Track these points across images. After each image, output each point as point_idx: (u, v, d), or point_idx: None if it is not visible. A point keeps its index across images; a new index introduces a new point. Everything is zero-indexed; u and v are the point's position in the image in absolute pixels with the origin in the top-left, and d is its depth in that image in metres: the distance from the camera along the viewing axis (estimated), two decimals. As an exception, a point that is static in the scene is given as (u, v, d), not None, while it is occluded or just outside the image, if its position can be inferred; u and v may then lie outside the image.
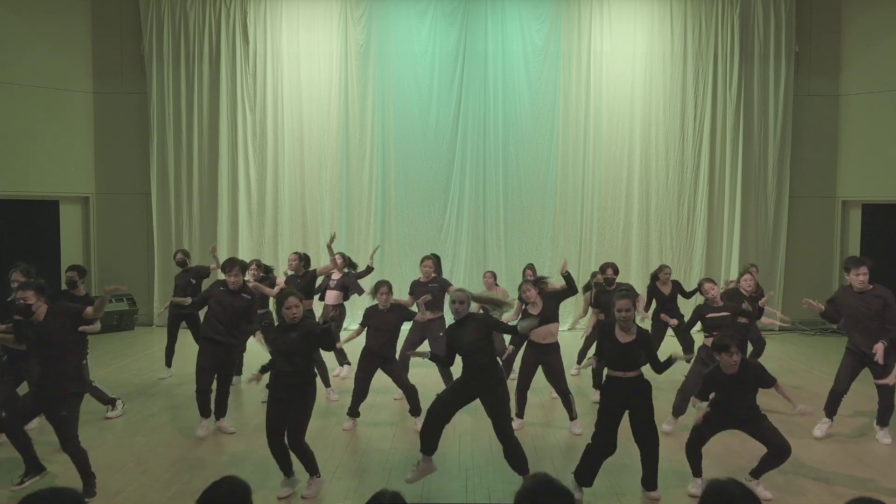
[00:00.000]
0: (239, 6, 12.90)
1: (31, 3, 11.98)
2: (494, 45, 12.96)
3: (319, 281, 8.98)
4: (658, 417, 7.06)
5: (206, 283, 9.35)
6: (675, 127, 12.96)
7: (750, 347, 8.71)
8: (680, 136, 12.97)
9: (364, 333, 7.16)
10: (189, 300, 8.34)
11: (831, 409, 6.92)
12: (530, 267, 8.93)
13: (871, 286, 6.84)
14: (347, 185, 12.99)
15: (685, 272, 12.70)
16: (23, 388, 6.54)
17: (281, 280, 8.90)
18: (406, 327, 7.47)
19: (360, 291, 9.04)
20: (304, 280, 8.44)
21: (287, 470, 5.53)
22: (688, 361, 5.96)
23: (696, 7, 12.94)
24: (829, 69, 12.96)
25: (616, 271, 8.39)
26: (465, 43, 12.96)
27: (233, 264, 6.84)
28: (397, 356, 7.24)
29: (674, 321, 8.04)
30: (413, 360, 7.94)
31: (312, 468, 5.48)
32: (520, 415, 7.20)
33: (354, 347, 7.61)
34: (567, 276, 6.94)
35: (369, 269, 9.18)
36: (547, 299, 6.97)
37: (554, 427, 7.30)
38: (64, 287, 7.60)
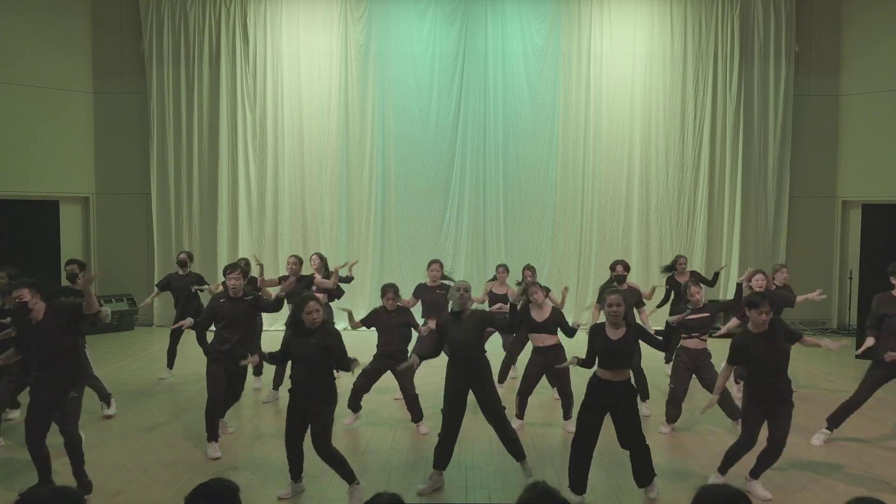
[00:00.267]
0: (239, 6, 12.90)
1: (31, 3, 11.98)
2: (494, 45, 12.97)
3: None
4: (656, 421, 7.12)
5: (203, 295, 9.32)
6: (675, 127, 12.96)
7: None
8: (680, 136, 12.97)
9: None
10: (190, 321, 8.38)
11: (838, 420, 6.75)
12: (529, 268, 8.81)
13: None
14: (347, 185, 12.99)
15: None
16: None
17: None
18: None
19: (341, 294, 9.00)
20: (303, 284, 8.39)
21: (297, 474, 5.47)
22: (673, 324, 5.79)
23: (696, 7, 12.95)
24: (829, 69, 12.96)
25: (626, 268, 8.17)
26: (465, 43, 12.96)
27: (233, 268, 6.62)
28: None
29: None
30: (423, 370, 7.88)
31: (349, 476, 5.27)
32: (520, 416, 7.20)
33: (360, 349, 7.61)
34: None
35: (349, 279, 9.15)
36: (555, 313, 6.99)
37: (555, 427, 7.30)
38: (66, 283, 7.62)
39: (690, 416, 7.53)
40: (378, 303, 7.21)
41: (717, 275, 9.87)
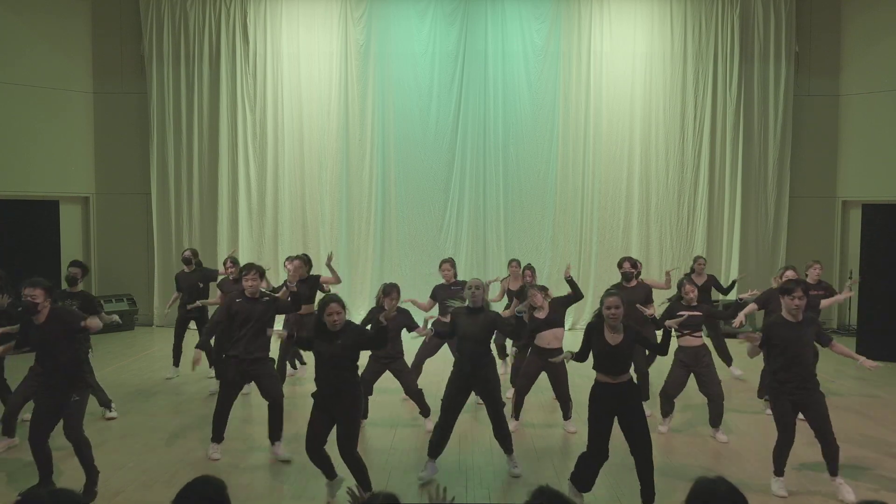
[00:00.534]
0: (239, 6, 12.90)
1: (31, 3, 11.97)
2: (494, 45, 12.96)
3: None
4: (651, 424, 7.10)
5: (213, 287, 9.36)
6: (675, 127, 12.96)
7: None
8: (680, 136, 12.97)
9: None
10: (200, 302, 8.52)
11: None
12: (529, 268, 8.78)
13: None
14: (347, 185, 12.99)
15: (685, 272, 12.68)
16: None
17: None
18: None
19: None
20: (308, 284, 8.34)
21: (330, 472, 5.39)
22: (670, 328, 5.75)
23: (696, 7, 12.95)
24: (829, 69, 12.96)
25: (633, 265, 7.99)
26: (465, 43, 12.95)
27: (250, 268, 6.40)
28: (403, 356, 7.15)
29: (650, 311, 7.75)
30: (424, 368, 7.87)
31: (366, 483, 5.22)
32: (516, 416, 7.20)
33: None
34: (570, 281, 6.99)
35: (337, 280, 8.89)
36: (554, 304, 6.99)
37: (554, 427, 7.30)
38: (64, 286, 7.55)
39: (690, 417, 7.53)
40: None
41: (734, 283, 9.71)
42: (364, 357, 7.16)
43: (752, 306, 7.58)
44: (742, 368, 9.30)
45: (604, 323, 5.18)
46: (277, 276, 11.28)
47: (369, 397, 7.18)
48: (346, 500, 3.03)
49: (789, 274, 7.45)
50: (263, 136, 12.94)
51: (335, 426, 5.21)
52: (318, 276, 8.54)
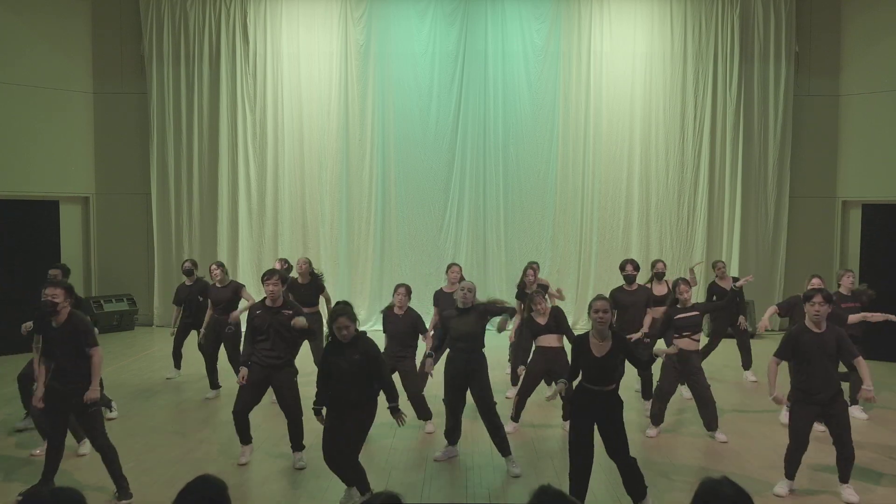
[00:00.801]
0: (239, 6, 12.90)
1: (31, 3, 11.97)
2: (494, 45, 12.96)
3: None
4: (643, 425, 7.11)
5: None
6: (675, 127, 12.96)
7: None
8: (680, 136, 12.97)
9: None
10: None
11: None
12: (532, 266, 8.53)
13: None
14: (347, 185, 12.98)
15: (685, 272, 12.68)
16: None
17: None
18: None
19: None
20: (312, 286, 8.29)
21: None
22: (669, 355, 5.73)
23: (696, 7, 12.94)
24: (829, 69, 12.95)
25: (636, 268, 7.94)
26: (465, 43, 12.95)
27: (271, 273, 6.16)
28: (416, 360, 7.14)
29: (638, 335, 7.56)
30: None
31: (364, 486, 5.21)
32: (515, 418, 7.19)
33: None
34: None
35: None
36: (554, 312, 7.01)
37: (554, 428, 7.30)
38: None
39: (689, 417, 7.53)
40: (379, 302, 7.21)
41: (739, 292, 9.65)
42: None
43: (772, 309, 7.53)
44: (757, 374, 9.28)
45: (589, 333, 5.07)
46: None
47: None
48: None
49: (815, 282, 7.05)
50: (263, 136, 12.94)
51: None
52: (322, 284, 8.40)
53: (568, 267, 13.05)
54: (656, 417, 7.01)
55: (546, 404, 8.03)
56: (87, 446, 6.40)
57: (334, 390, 5.17)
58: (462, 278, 8.14)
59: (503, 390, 8.50)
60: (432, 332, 7.17)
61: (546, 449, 6.68)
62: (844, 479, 5.49)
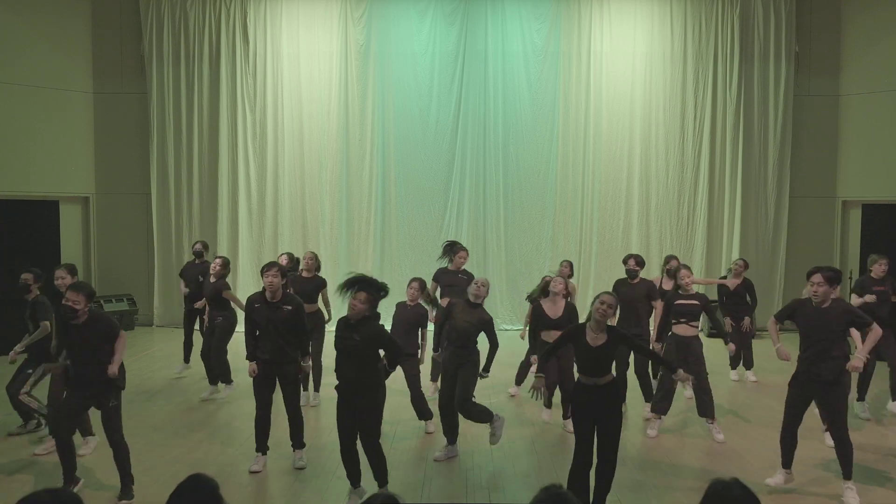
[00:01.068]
0: (239, 6, 12.89)
1: (30, 3, 11.96)
2: (494, 45, 12.96)
3: None
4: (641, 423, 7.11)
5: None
6: (675, 127, 12.96)
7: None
8: (680, 136, 12.97)
9: None
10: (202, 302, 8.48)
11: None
12: (565, 264, 8.78)
13: None
14: (347, 185, 12.98)
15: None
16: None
17: None
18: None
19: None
20: (314, 283, 8.29)
21: (355, 480, 5.36)
22: (678, 379, 5.48)
23: (696, 7, 12.94)
24: (829, 69, 12.95)
25: (639, 263, 7.87)
26: (465, 43, 12.94)
27: (271, 265, 6.05)
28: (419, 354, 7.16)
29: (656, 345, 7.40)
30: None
31: (382, 478, 5.25)
32: (548, 405, 7.40)
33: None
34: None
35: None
36: (568, 308, 7.00)
37: (555, 427, 7.30)
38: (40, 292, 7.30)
39: (680, 420, 7.53)
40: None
41: (753, 301, 9.53)
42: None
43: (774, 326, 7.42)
44: (759, 375, 9.28)
45: (587, 324, 5.03)
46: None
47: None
48: None
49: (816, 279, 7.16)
50: (263, 136, 12.93)
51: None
52: (324, 281, 8.39)
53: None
54: (660, 406, 6.97)
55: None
56: (87, 447, 6.40)
57: (341, 370, 5.22)
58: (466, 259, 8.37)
59: (509, 387, 8.51)
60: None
61: (546, 450, 6.68)
62: (847, 475, 5.44)
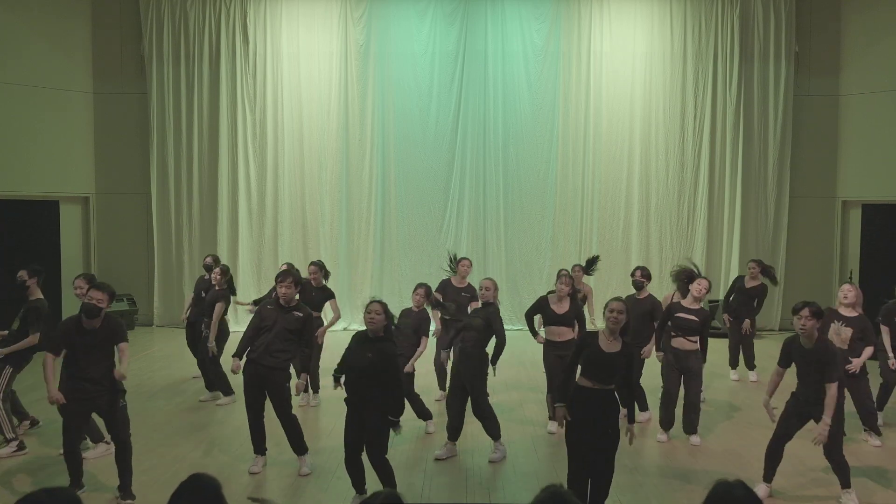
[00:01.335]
0: (239, 6, 12.89)
1: (30, 3, 11.96)
2: (494, 45, 12.96)
3: None
4: (656, 429, 7.09)
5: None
6: (675, 127, 12.95)
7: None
8: (680, 136, 12.97)
9: None
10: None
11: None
12: (577, 268, 8.79)
13: None
14: (347, 185, 12.98)
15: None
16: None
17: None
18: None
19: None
20: (322, 294, 8.14)
21: (360, 487, 5.33)
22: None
23: (696, 7, 12.94)
24: (829, 69, 12.95)
25: (645, 275, 7.70)
26: (465, 43, 12.95)
27: (285, 275, 6.07)
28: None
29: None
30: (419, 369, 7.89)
31: (391, 485, 5.17)
32: (553, 416, 7.15)
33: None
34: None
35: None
36: (574, 305, 6.97)
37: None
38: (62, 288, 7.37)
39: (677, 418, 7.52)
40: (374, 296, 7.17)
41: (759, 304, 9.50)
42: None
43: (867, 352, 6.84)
44: (760, 375, 9.27)
45: (600, 332, 4.94)
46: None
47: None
48: None
49: (847, 287, 6.75)
50: (263, 136, 12.93)
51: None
52: (332, 292, 8.28)
53: (568, 267, 13.00)
54: (665, 422, 6.93)
55: (546, 403, 8.02)
56: (95, 451, 6.37)
57: (351, 383, 5.19)
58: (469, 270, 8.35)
59: (520, 386, 8.51)
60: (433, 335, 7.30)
61: (547, 449, 6.68)
62: (844, 484, 5.44)
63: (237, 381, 8.32)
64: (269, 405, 6.06)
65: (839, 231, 13.02)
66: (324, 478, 5.92)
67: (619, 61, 12.98)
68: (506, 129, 13.01)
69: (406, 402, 6.94)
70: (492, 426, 6.35)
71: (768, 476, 5.58)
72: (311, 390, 7.98)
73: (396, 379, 5.14)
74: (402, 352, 6.88)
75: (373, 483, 5.29)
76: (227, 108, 12.88)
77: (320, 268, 8.16)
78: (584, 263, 8.74)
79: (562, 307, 6.90)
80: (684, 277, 7.11)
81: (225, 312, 8.24)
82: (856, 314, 6.61)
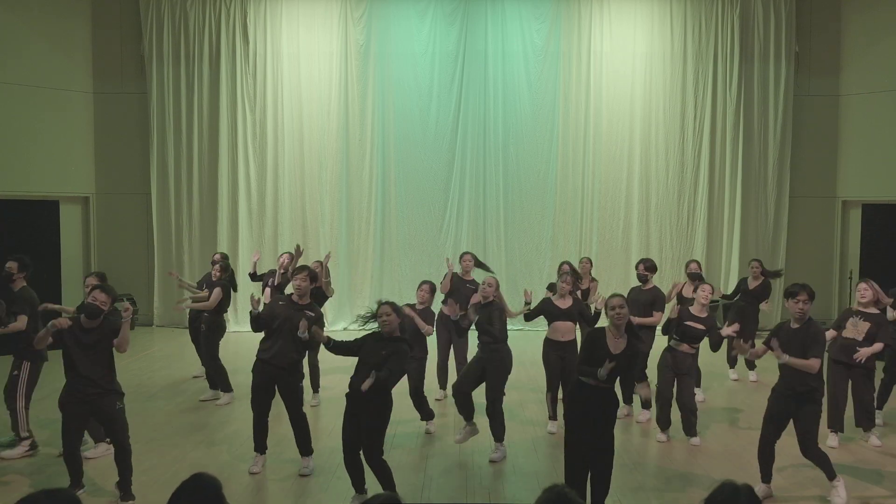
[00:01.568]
0: (239, 6, 12.89)
1: (30, 3, 11.96)
2: (494, 45, 12.95)
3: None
4: (653, 428, 7.09)
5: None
6: (675, 127, 12.95)
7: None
8: (680, 136, 12.96)
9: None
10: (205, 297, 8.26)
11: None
12: (585, 260, 9.03)
13: None
14: (347, 185, 12.98)
15: (685, 272, 12.69)
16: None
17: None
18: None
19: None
20: (315, 294, 8.17)
21: (359, 487, 5.32)
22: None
23: (696, 7, 12.94)
24: (829, 69, 12.95)
25: (648, 268, 7.69)
26: (465, 43, 12.94)
27: (301, 269, 6.07)
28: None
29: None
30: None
31: (390, 486, 5.19)
32: (553, 416, 7.21)
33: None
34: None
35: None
36: (577, 301, 6.99)
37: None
38: (64, 286, 7.40)
39: (676, 417, 7.52)
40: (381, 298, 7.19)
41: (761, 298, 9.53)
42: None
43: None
44: (760, 375, 9.28)
45: (606, 329, 4.96)
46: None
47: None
48: None
49: (862, 286, 6.77)
50: (263, 136, 12.93)
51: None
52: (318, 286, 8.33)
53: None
54: (662, 421, 6.95)
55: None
56: (96, 450, 6.37)
57: (355, 377, 5.18)
58: (477, 263, 8.40)
59: (521, 387, 8.51)
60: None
61: (547, 450, 6.68)
62: (830, 476, 5.45)
63: (236, 382, 8.40)
64: (274, 404, 6.07)
65: (839, 231, 13.03)
66: (324, 478, 5.92)
67: (619, 61, 12.98)
68: (506, 129, 13.01)
69: (411, 400, 7.05)
70: (497, 427, 6.35)
71: (765, 477, 5.60)
72: (310, 390, 7.99)
73: (395, 368, 5.14)
74: (413, 353, 6.91)
75: (373, 483, 5.30)
76: (227, 108, 12.88)
77: (321, 265, 8.17)
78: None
79: (565, 302, 6.92)
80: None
81: (227, 305, 8.36)
82: (875, 311, 6.68)
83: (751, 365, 9.35)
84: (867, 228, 12.41)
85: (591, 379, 4.86)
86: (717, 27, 12.90)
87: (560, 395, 7.56)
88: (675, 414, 6.95)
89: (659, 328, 7.64)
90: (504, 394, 6.47)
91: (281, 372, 5.90)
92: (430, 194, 13.03)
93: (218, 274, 8.33)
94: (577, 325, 7.06)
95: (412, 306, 7.12)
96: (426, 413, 7.09)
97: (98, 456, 6.28)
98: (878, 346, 6.53)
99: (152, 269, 12.99)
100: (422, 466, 6.19)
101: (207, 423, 7.42)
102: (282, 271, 8.36)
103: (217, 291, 8.17)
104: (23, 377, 6.41)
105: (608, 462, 4.90)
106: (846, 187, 12.93)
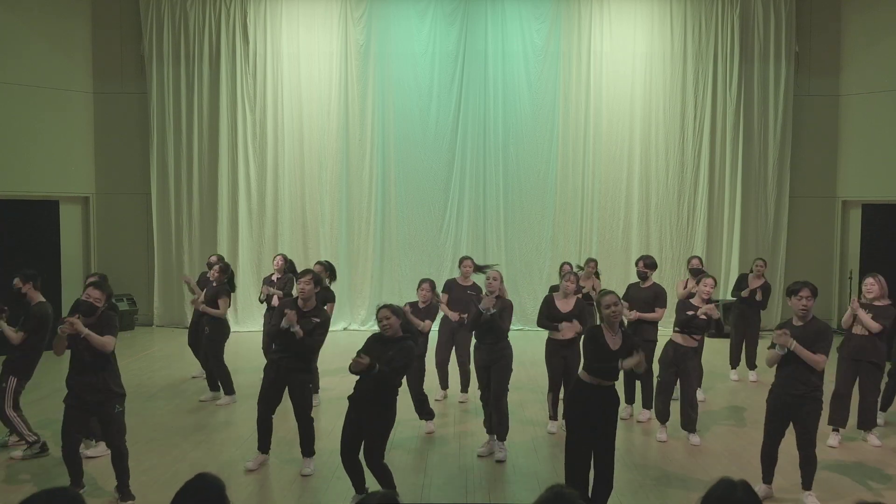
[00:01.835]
0: (239, 6, 12.89)
1: (30, 3, 11.96)
2: (494, 45, 12.96)
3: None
4: (653, 428, 7.09)
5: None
6: (675, 127, 12.95)
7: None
8: (680, 136, 12.96)
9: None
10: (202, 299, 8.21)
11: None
12: (591, 263, 9.18)
13: None
14: (347, 185, 12.98)
15: (685, 272, 12.68)
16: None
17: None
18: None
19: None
20: (322, 295, 8.16)
21: (359, 487, 5.31)
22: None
23: (696, 7, 12.94)
24: (829, 69, 12.95)
25: (648, 265, 7.65)
26: (465, 43, 12.94)
27: (305, 273, 6.07)
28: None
29: (633, 313, 7.38)
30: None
31: (390, 488, 5.12)
32: (554, 417, 7.21)
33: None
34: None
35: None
36: (579, 303, 6.98)
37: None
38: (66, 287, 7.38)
39: (676, 417, 7.52)
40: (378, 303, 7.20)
41: (762, 299, 9.44)
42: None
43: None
44: (760, 375, 9.27)
45: (602, 327, 4.98)
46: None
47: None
48: None
49: (869, 281, 6.77)
50: (263, 136, 12.93)
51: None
52: (333, 294, 8.18)
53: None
54: (661, 413, 6.95)
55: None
56: (96, 450, 6.36)
57: (361, 382, 5.16)
58: (476, 268, 8.32)
59: (521, 387, 8.50)
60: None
61: (548, 450, 6.68)
62: (806, 485, 5.43)
63: (236, 382, 8.40)
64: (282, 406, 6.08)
65: (839, 231, 13.03)
66: (324, 478, 5.92)
67: (619, 61, 12.98)
68: (506, 129, 13.01)
69: (411, 399, 7.06)
70: (501, 425, 6.35)
71: (767, 478, 5.60)
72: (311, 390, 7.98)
73: (402, 365, 5.10)
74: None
75: (373, 483, 5.30)
76: (227, 108, 12.88)
77: (326, 268, 8.17)
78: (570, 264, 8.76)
79: (567, 304, 6.90)
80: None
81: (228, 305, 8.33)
82: (885, 304, 6.67)
83: (752, 364, 9.34)
84: (867, 228, 12.41)
85: (603, 378, 4.84)
86: (717, 27, 12.90)
87: (561, 396, 7.59)
88: (675, 414, 6.95)
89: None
90: (508, 390, 6.48)
91: (291, 373, 5.95)
92: (430, 194, 13.03)
93: (217, 275, 8.29)
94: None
95: (414, 304, 7.13)
96: (426, 413, 7.09)
97: (98, 455, 6.28)
98: (875, 325, 6.48)
99: (152, 269, 12.99)
100: (422, 466, 6.19)
101: (207, 424, 7.41)
102: (278, 275, 8.47)
103: (224, 301, 8.13)
104: (9, 390, 6.39)
105: (609, 462, 4.89)
106: (846, 187, 12.93)
